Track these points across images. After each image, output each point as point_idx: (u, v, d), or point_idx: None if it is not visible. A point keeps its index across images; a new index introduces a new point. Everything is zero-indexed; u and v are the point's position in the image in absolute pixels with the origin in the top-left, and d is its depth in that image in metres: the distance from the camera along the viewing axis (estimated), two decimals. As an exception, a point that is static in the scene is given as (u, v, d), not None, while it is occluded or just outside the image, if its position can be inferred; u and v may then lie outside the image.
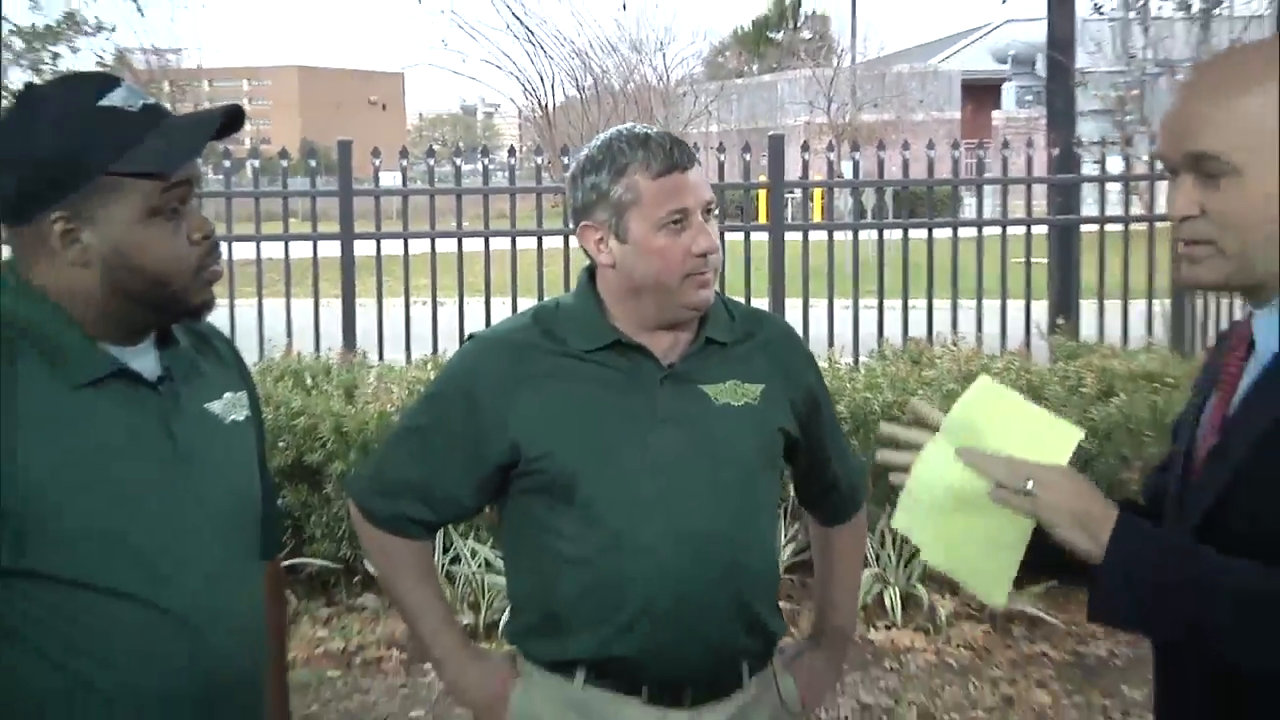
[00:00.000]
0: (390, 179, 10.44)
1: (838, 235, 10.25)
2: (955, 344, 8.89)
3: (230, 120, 2.33)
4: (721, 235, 7.54)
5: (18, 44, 15.91)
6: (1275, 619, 2.02)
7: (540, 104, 24.53)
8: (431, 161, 10.43)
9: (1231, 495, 2.15)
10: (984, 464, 2.12)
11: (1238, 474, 2.14)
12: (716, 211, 2.83)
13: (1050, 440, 2.19)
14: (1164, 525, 2.33)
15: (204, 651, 2.32)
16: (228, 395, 2.48)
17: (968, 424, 2.20)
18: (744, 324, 2.94)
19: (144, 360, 2.35)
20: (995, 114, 33.49)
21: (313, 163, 10.33)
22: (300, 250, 9.55)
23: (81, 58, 16.19)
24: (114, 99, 2.23)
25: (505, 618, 3.10)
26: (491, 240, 9.75)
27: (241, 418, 2.50)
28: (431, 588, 3.07)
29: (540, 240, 9.52)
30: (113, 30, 16.44)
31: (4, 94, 13.25)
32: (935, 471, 2.19)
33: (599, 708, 2.81)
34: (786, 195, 9.93)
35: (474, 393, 2.86)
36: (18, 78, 15.85)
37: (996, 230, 10.51)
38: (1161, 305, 10.58)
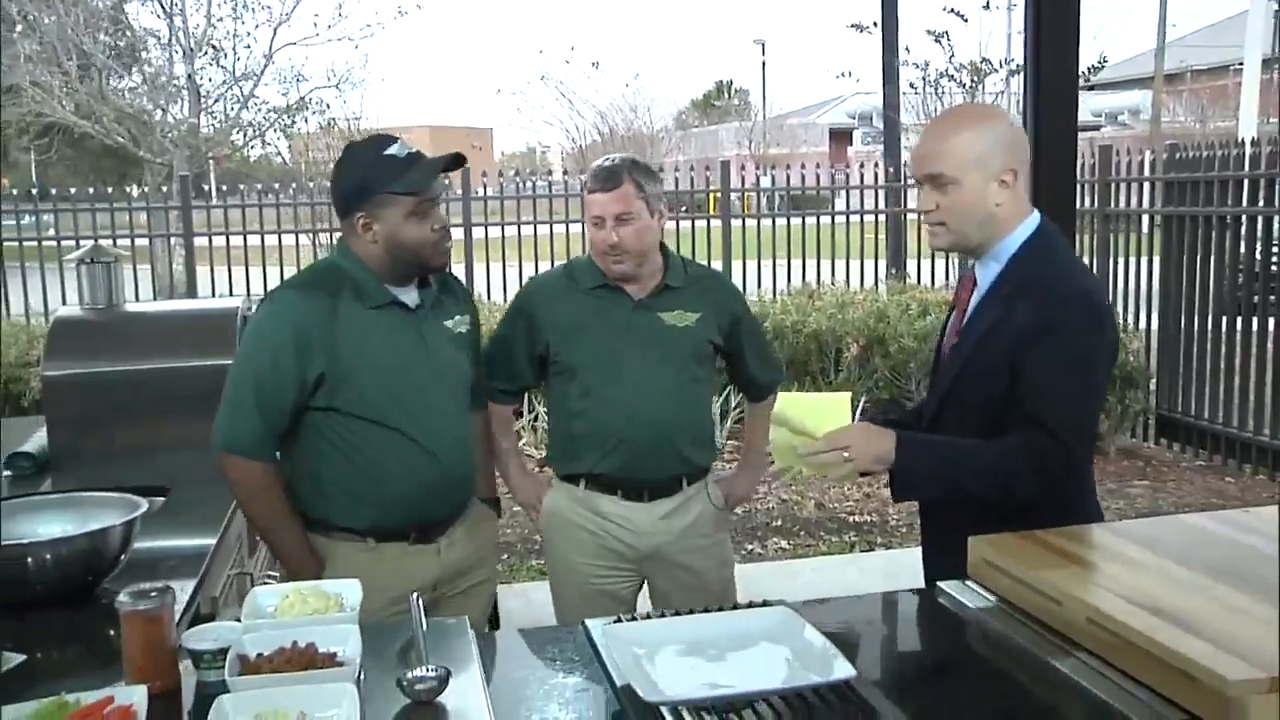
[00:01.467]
0: (490, 191, 10.41)
1: (763, 222, 10.24)
2: (833, 284, 8.90)
3: (455, 161, 2.50)
4: (694, 222, 7.35)
5: (273, 116, 15.92)
6: (996, 478, 2.07)
7: (576, 144, 24.48)
8: (516, 180, 10.44)
9: (963, 374, 2.20)
10: (818, 459, 2.08)
11: (967, 361, 2.19)
12: (633, 221, 2.71)
13: (837, 408, 2.15)
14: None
15: (435, 462, 2.50)
16: (457, 316, 2.63)
17: (786, 417, 2.16)
18: (694, 276, 2.89)
19: (409, 295, 2.52)
20: (850, 149, 33.31)
21: (447, 182, 10.22)
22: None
23: (309, 125, 16.23)
24: (391, 150, 2.43)
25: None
26: (554, 227, 9.76)
27: (464, 330, 2.64)
28: (510, 433, 3.09)
29: (584, 226, 9.52)
30: (328, 107, 16.38)
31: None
32: (783, 442, 2.17)
33: (593, 501, 2.84)
34: (730, 197, 9.94)
35: (529, 312, 2.87)
36: (272, 136, 16.02)
37: (856, 218, 10.50)
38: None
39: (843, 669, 1.58)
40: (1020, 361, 2.06)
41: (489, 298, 8.83)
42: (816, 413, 2.15)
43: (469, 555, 2.64)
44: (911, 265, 10.63)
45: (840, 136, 36.02)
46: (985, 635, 1.87)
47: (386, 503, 2.47)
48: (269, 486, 2.45)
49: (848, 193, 11.08)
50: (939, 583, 2.01)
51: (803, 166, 10.57)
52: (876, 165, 10.56)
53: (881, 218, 10.72)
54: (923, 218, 2.21)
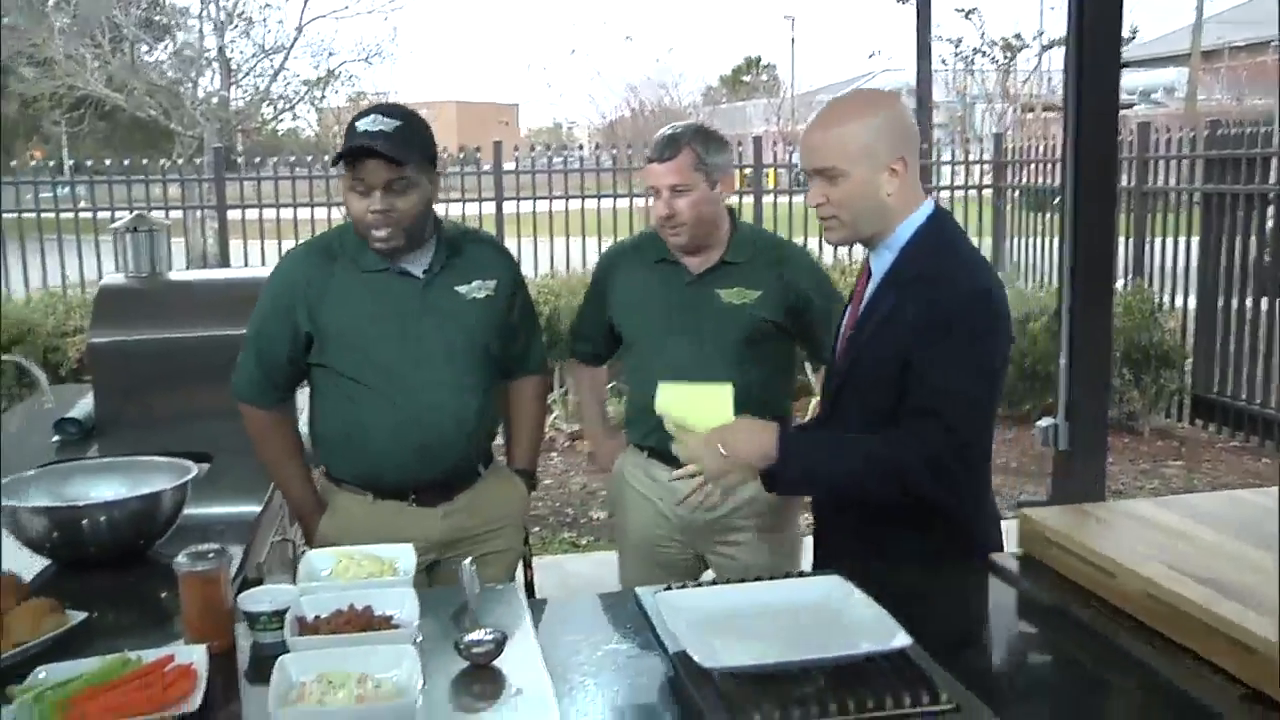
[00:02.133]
0: (516, 166, 10.40)
1: (795, 198, 10.20)
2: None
3: (367, 152, 2.33)
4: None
5: (303, 89, 16.00)
6: (885, 469, 1.97)
7: (605, 119, 24.51)
8: (548, 154, 10.46)
9: (857, 363, 2.11)
10: (697, 466, 2.05)
11: (861, 350, 2.10)
12: (689, 192, 2.64)
13: (717, 401, 2.10)
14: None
15: (421, 427, 2.48)
16: (476, 281, 2.55)
17: (665, 411, 2.14)
18: (763, 249, 2.76)
19: (414, 262, 2.49)
20: (878, 126, 32.95)
21: (478, 154, 10.17)
22: (470, 209, 9.50)
23: (339, 98, 16.32)
24: (360, 124, 2.38)
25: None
26: (586, 201, 9.75)
27: (483, 295, 2.56)
28: (597, 396, 3.14)
29: (614, 201, 9.52)
30: (357, 80, 16.45)
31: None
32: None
33: (652, 469, 2.81)
34: (761, 174, 9.91)
35: (602, 282, 2.88)
36: (301, 109, 16.11)
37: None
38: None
39: (899, 638, 1.57)
40: (914, 356, 1.97)
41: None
42: (697, 406, 2.09)
43: (481, 523, 2.61)
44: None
45: (870, 113, 35.81)
46: (1038, 607, 1.87)
47: (375, 462, 2.50)
48: (271, 434, 2.59)
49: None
50: (991, 554, 2.00)
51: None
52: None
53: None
54: (815, 212, 2.11)
